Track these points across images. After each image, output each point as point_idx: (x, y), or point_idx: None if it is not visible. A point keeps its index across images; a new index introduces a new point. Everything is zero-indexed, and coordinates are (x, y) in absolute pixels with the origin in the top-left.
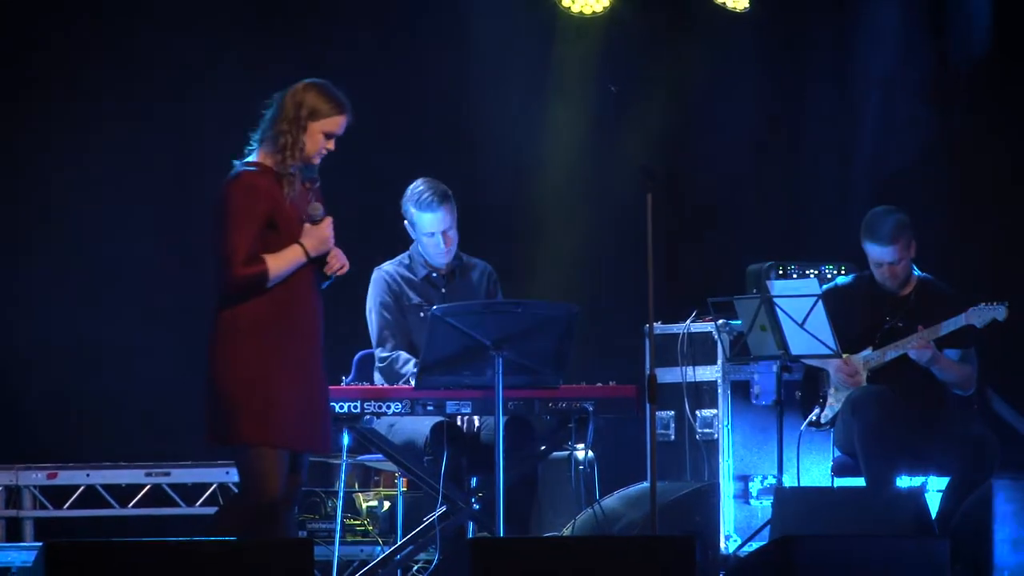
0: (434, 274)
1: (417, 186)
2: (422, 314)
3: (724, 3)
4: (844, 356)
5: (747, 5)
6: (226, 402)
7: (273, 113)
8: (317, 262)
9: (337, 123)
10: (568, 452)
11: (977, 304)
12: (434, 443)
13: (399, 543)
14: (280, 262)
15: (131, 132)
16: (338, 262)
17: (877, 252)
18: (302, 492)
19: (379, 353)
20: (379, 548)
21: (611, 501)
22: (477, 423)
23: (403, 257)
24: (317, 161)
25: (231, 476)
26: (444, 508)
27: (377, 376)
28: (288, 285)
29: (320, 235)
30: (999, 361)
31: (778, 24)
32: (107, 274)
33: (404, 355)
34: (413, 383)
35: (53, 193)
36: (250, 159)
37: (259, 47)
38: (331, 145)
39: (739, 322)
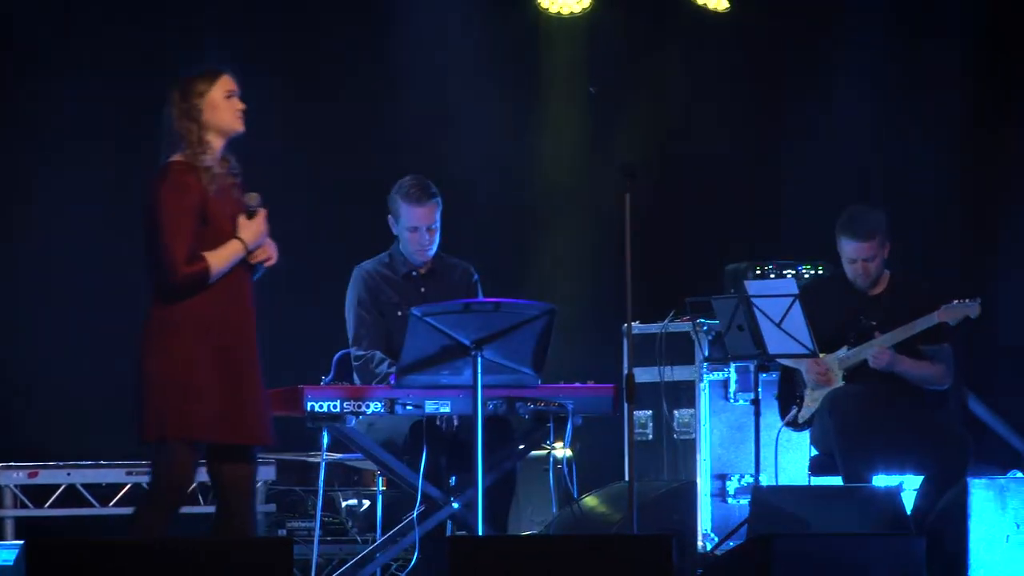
0: (414, 273)
1: (406, 180)
2: (400, 313)
3: (705, 3)
4: (820, 356)
5: (727, 6)
6: (150, 398)
7: (167, 120)
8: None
9: (226, 83)
10: (547, 451)
11: (950, 301)
12: (413, 442)
13: (378, 542)
14: (220, 258)
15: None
16: (264, 253)
17: (851, 248)
18: (279, 491)
19: (354, 352)
20: (358, 547)
21: (589, 500)
22: (456, 422)
23: (383, 256)
24: (239, 125)
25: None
26: (423, 507)
27: (356, 375)
28: (221, 281)
29: (257, 228)
30: (975, 360)
31: (758, 25)
32: (89, 272)
33: (379, 355)
34: (390, 382)
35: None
36: (172, 159)
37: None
38: (239, 104)
39: (716, 322)
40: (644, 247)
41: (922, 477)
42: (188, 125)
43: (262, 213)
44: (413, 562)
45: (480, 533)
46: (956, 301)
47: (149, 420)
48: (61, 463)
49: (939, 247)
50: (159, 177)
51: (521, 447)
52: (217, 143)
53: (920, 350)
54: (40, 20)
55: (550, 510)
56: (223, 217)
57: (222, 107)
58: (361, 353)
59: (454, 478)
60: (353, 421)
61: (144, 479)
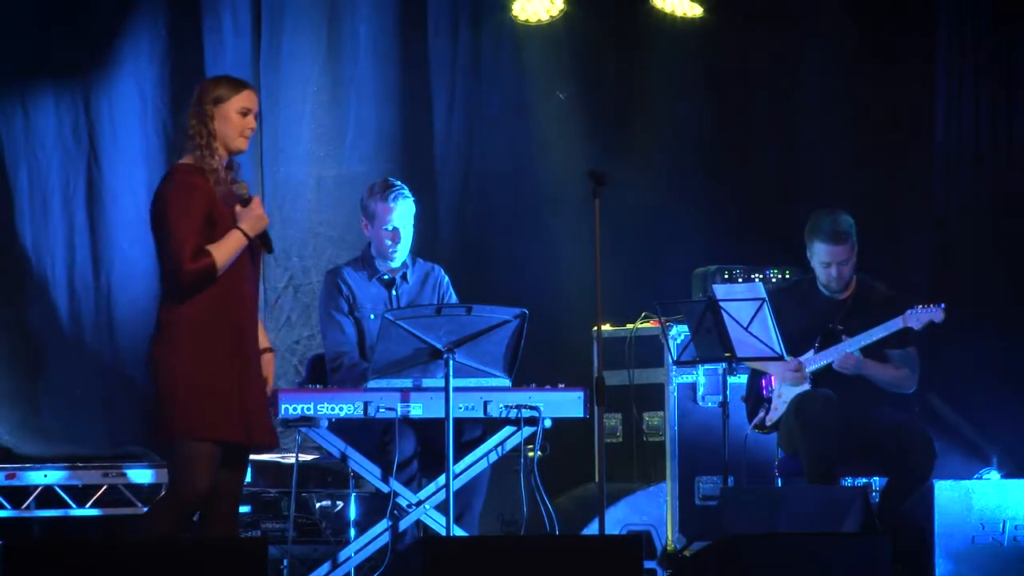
0: (387, 275)
1: (378, 182)
2: (373, 316)
3: (673, 11)
4: (788, 358)
5: (700, 14)
6: (165, 399)
7: (183, 120)
8: (257, 241)
9: (245, 98)
10: (517, 453)
11: (914, 307)
12: (385, 444)
13: (351, 543)
14: (224, 250)
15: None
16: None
17: (826, 252)
18: (253, 492)
19: (329, 355)
20: (332, 548)
21: (559, 502)
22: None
23: (356, 259)
24: (243, 145)
25: None
26: (395, 508)
27: (330, 378)
28: (228, 280)
29: (254, 214)
30: (940, 364)
31: (727, 32)
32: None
33: (352, 357)
34: (363, 384)
35: None
36: (180, 161)
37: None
38: (252, 123)
39: (685, 325)
40: (615, 251)
41: (887, 478)
42: (198, 128)
43: (256, 199)
44: (386, 563)
45: (451, 534)
46: (921, 306)
47: (172, 419)
48: (37, 464)
49: (905, 252)
50: (167, 179)
51: (492, 449)
52: (221, 151)
53: (886, 354)
54: None
55: (521, 511)
56: (230, 218)
57: (233, 121)
58: (335, 356)
59: (426, 480)
60: (326, 423)
61: (120, 481)
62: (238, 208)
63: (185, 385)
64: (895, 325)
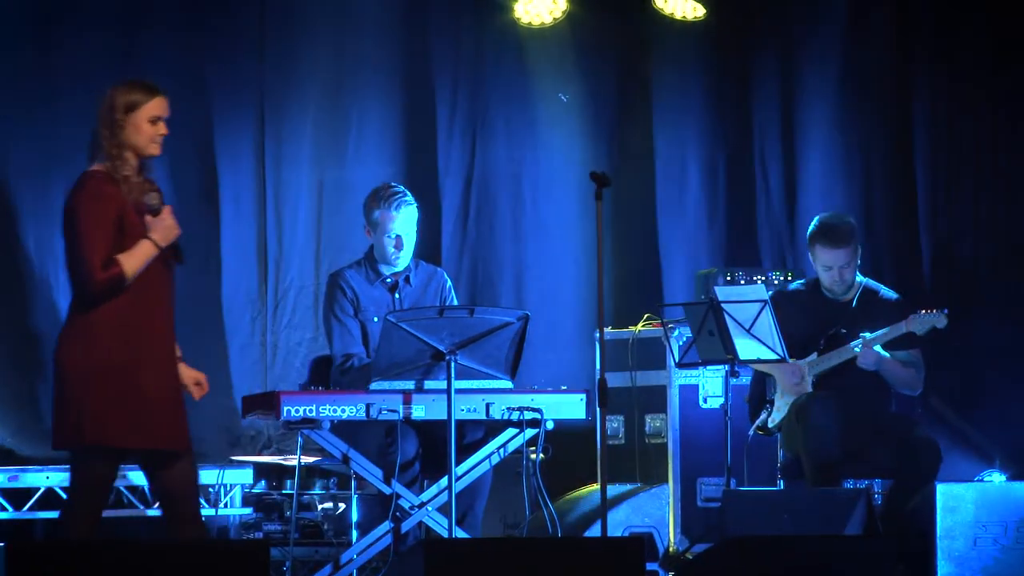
0: (389, 279)
1: (381, 187)
2: (376, 318)
3: (672, 13)
4: (791, 361)
5: (699, 16)
6: (67, 404)
7: (94, 127)
8: (168, 251)
9: (157, 106)
10: (519, 455)
11: (918, 312)
12: (387, 446)
13: (353, 544)
14: (133, 260)
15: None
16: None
17: (830, 255)
18: (255, 494)
19: (337, 357)
20: (334, 550)
21: (561, 504)
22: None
23: (358, 262)
24: (155, 151)
25: None
26: (397, 510)
27: (332, 379)
28: (138, 285)
29: (164, 224)
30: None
31: (730, 34)
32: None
33: (363, 358)
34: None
35: None
36: (92, 168)
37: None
38: (163, 129)
39: (688, 327)
40: (618, 253)
41: (891, 481)
42: (108, 136)
43: (167, 209)
44: (388, 564)
45: (453, 535)
46: (923, 311)
47: (66, 426)
48: (40, 466)
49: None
50: (77, 186)
51: (494, 451)
52: (132, 159)
53: (892, 355)
54: None
55: (523, 513)
56: (141, 227)
57: (143, 129)
58: (344, 358)
59: (428, 481)
60: (329, 425)
61: (120, 483)
62: (148, 218)
63: (76, 389)
64: (898, 330)
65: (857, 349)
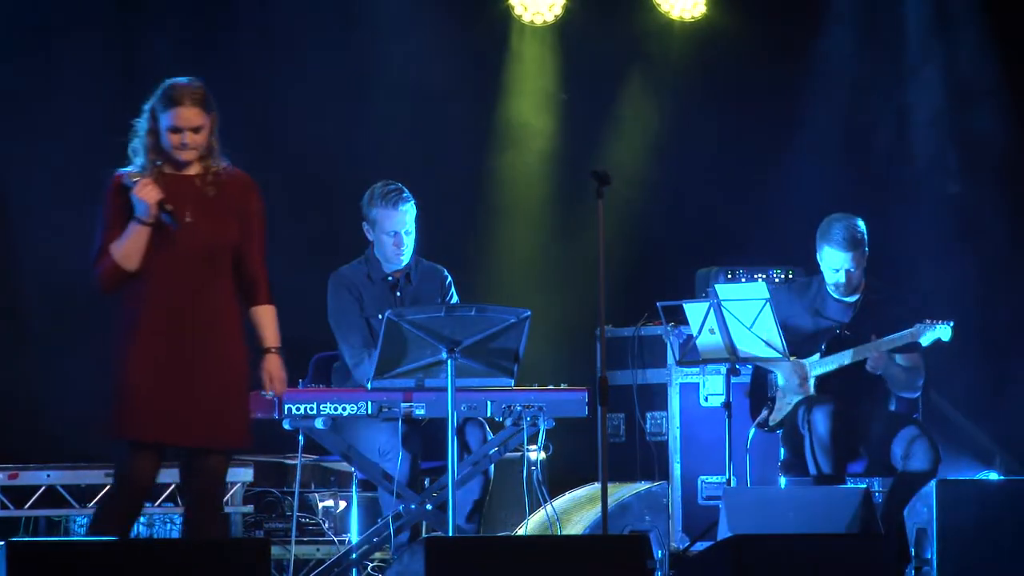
0: (390, 277)
1: (379, 185)
2: (380, 316)
3: (668, 12)
4: (792, 359)
5: (697, 17)
6: (106, 398)
7: (135, 125)
8: (162, 225)
9: (175, 116)
10: (520, 453)
11: (924, 321)
12: (388, 443)
13: (354, 542)
14: (122, 243)
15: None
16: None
17: (837, 258)
18: (256, 492)
19: (349, 354)
20: (335, 548)
21: (562, 502)
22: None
23: (359, 260)
24: (180, 156)
25: None
26: (398, 508)
27: (334, 378)
28: (163, 280)
29: (138, 196)
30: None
31: (730, 34)
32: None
33: (372, 356)
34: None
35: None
36: (120, 171)
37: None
38: (186, 139)
39: (688, 326)
40: (619, 252)
41: (891, 480)
42: (148, 136)
43: (140, 182)
44: (389, 563)
45: (452, 534)
46: (929, 321)
47: (104, 419)
48: (40, 464)
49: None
50: (107, 184)
51: (495, 449)
52: (160, 160)
53: (893, 356)
54: None
55: (524, 512)
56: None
57: (166, 136)
58: (354, 354)
59: (428, 479)
60: (330, 423)
61: None
62: (130, 196)
63: (111, 383)
64: (903, 339)
65: (864, 355)
